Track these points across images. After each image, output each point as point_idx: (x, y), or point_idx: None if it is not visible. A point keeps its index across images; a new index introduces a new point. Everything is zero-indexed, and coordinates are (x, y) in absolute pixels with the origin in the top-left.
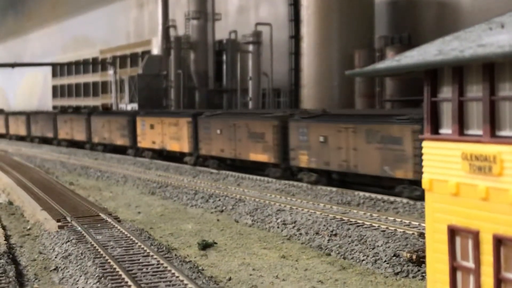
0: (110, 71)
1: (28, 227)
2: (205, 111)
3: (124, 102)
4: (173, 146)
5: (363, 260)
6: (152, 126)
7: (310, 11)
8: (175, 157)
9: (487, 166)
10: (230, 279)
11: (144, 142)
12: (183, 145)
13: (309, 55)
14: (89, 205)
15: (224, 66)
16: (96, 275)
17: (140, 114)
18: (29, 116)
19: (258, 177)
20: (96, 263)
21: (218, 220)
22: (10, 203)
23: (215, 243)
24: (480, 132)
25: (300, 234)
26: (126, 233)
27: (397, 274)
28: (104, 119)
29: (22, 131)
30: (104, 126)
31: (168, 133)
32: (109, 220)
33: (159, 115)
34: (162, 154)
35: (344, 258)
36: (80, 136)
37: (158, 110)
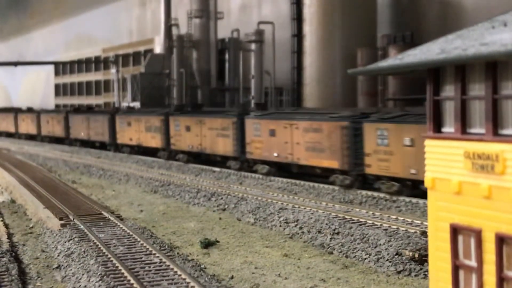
0: (113, 70)
1: (31, 226)
2: (254, 111)
3: (127, 101)
4: (215, 148)
5: (365, 258)
6: (188, 128)
7: (313, 9)
8: (215, 161)
9: (489, 164)
10: (232, 277)
11: (178, 144)
12: (226, 148)
13: (312, 53)
14: (92, 204)
15: (227, 65)
16: (99, 273)
17: (174, 113)
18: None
19: (260, 176)
20: (99, 261)
21: (220, 218)
22: (13, 201)
23: (218, 241)
24: (482, 131)
25: (303, 232)
26: (128, 231)
27: (399, 272)
28: (132, 118)
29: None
30: (131, 126)
31: (208, 135)
32: (112, 218)
33: (197, 114)
34: (200, 158)
35: (347, 257)
36: (102, 136)
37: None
